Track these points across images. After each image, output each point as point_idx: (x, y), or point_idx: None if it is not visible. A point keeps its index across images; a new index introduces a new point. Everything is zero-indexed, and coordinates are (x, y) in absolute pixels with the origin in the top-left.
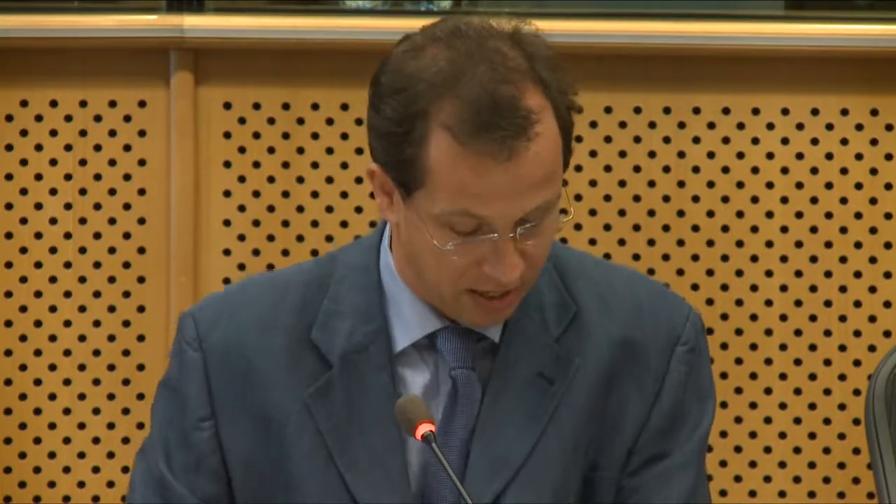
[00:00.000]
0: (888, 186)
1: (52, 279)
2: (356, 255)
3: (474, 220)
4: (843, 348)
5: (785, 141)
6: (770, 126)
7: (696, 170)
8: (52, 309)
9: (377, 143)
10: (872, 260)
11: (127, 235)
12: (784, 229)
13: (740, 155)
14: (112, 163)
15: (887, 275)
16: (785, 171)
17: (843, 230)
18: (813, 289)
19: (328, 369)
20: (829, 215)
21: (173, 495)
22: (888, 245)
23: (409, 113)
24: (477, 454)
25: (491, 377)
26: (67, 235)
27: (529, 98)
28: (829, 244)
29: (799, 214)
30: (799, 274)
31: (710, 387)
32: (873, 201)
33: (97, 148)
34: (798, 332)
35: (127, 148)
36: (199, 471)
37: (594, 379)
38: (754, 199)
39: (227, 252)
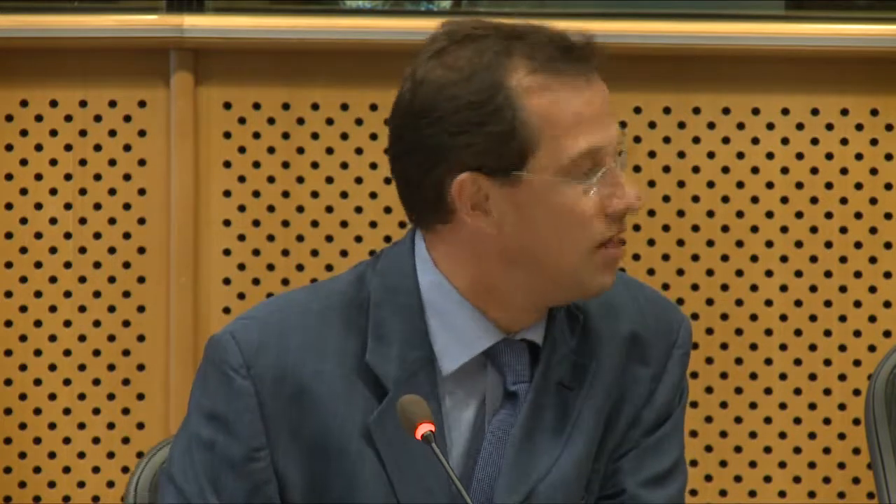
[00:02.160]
0: (888, 186)
1: (52, 279)
2: (391, 277)
3: (591, 153)
4: (843, 348)
5: (785, 141)
6: (770, 126)
7: (696, 170)
8: (52, 309)
9: (463, 146)
10: (872, 260)
11: (127, 235)
12: (784, 229)
13: (740, 155)
14: (112, 163)
15: (887, 275)
16: (785, 171)
17: (843, 230)
18: (813, 289)
19: (384, 394)
20: (829, 215)
21: None
22: (888, 245)
23: (488, 88)
24: (508, 465)
25: (532, 389)
26: (67, 235)
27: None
28: (828, 244)
29: (799, 214)
30: (799, 274)
31: (686, 388)
32: (873, 201)
33: (97, 148)
34: (798, 332)
35: (127, 148)
36: (253, 498)
37: (609, 377)
38: (754, 199)
39: (227, 252)
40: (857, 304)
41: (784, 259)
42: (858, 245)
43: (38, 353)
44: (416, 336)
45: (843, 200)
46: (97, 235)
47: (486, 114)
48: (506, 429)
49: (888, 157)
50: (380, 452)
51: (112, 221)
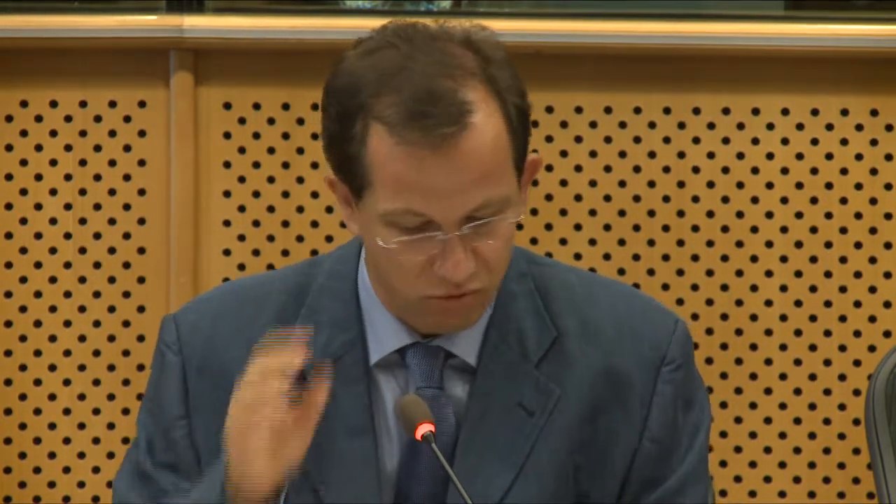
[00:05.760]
0: (888, 186)
1: (52, 279)
2: (338, 263)
3: (417, 217)
4: (843, 348)
5: (785, 141)
6: (770, 126)
7: (695, 170)
8: (52, 309)
9: (328, 148)
10: (872, 260)
11: (127, 236)
12: (784, 229)
13: (740, 155)
14: (112, 163)
15: (887, 275)
16: (785, 171)
17: (843, 230)
18: (813, 289)
19: (303, 380)
20: (828, 215)
21: (155, 485)
22: (888, 245)
23: (350, 109)
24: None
25: (469, 404)
26: (67, 236)
27: (469, 92)
28: (828, 244)
29: (799, 215)
30: (799, 274)
31: (698, 387)
32: (873, 201)
33: (97, 148)
34: (798, 333)
35: (127, 148)
36: (178, 466)
37: (576, 410)
38: (754, 200)
39: (227, 252)
40: (857, 304)
41: (784, 259)
42: (858, 245)
43: (38, 353)
44: (348, 319)
45: (843, 201)
46: (97, 236)
47: (346, 130)
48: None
49: (888, 157)
50: None
51: (112, 222)
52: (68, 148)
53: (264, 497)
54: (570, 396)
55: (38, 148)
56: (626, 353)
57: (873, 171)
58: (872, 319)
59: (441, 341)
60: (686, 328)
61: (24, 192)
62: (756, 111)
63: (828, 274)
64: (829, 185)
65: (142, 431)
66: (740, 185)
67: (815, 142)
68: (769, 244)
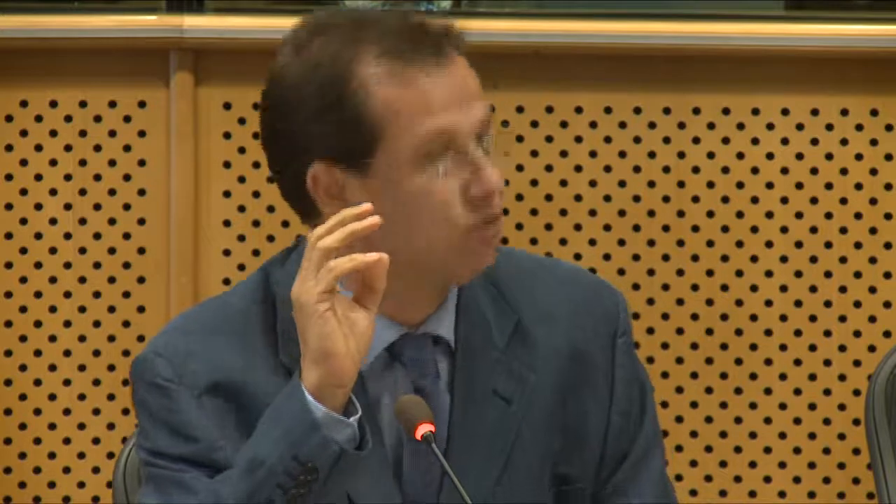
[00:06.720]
0: (888, 186)
1: (52, 279)
2: (291, 277)
3: (443, 136)
4: (843, 348)
5: (785, 141)
6: (770, 126)
7: (695, 170)
8: (52, 309)
9: (314, 136)
10: (872, 260)
11: (127, 236)
12: (784, 229)
13: (740, 155)
14: (112, 163)
15: (887, 275)
16: (785, 171)
17: (843, 230)
18: (813, 289)
19: None
20: (828, 215)
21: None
22: (888, 245)
23: (334, 76)
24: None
25: (454, 394)
26: (67, 236)
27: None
28: (828, 244)
29: (799, 215)
30: (799, 274)
31: (638, 363)
32: (873, 201)
33: (97, 148)
34: (798, 333)
35: (127, 148)
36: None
37: (549, 395)
38: (754, 200)
39: (227, 252)
40: (857, 304)
41: (784, 259)
42: (858, 245)
43: (38, 353)
44: None
45: (843, 201)
46: (97, 236)
47: (332, 103)
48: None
49: (888, 157)
50: None
51: (112, 222)
52: (68, 148)
53: (352, 379)
54: (541, 381)
55: (38, 148)
56: (583, 332)
57: (873, 172)
58: (872, 319)
59: (426, 327)
60: (625, 299)
61: (24, 192)
62: (756, 111)
63: (828, 274)
64: (829, 186)
65: (167, 473)
66: (740, 185)
67: (815, 142)
68: (769, 244)
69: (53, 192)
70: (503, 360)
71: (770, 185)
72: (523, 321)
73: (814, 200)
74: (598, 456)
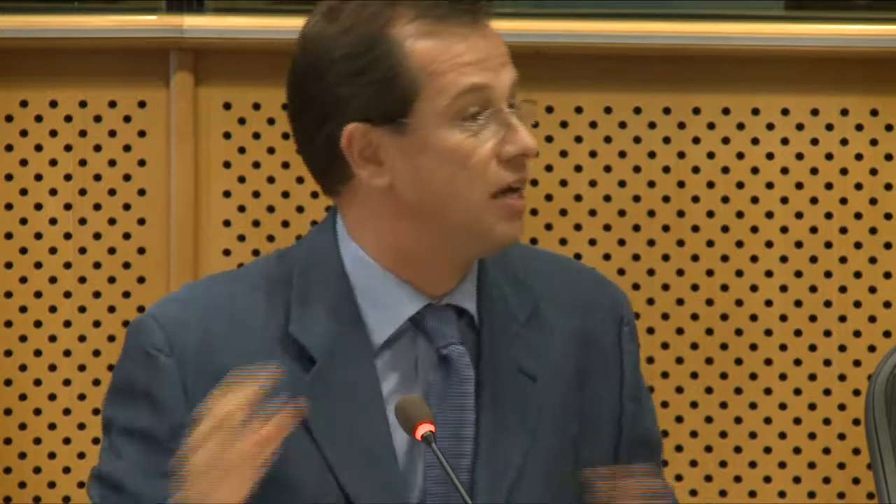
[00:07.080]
0: (888, 186)
1: (52, 279)
2: (314, 253)
3: (479, 94)
4: (843, 348)
5: (785, 141)
6: (770, 126)
7: (695, 170)
8: (52, 309)
9: (348, 98)
10: (872, 260)
11: (127, 236)
12: (784, 229)
13: (740, 155)
14: (112, 163)
15: (887, 275)
16: (785, 171)
17: (843, 230)
18: (813, 289)
19: (311, 364)
20: (828, 215)
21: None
22: (888, 245)
23: (369, 36)
24: (482, 456)
25: (481, 367)
26: (67, 236)
27: None
28: (828, 244)
29: (799, 215)
30: (799, 274)
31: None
32: (873, 201)
33: (97, 148)
34: (798, 333)
35: (127, 148)
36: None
37: (567, 376)
38: (754, 200)
39: (227, 252)
40: (857, 304)
41: (784, 259)
42: (858, 245)
43: (38, 353)
44: (344, 308)
45: (843, 201)
46: (97, 236)
47: (368, 64)
48: (445, 400)
49: (888, 157)
50: (309, 424)
51: (112, 222)
52: (68, 148)
53: None
54: (560, 362)
55: (38, 148)
56: (592, 318)
57: (873, 172)
58: (872, 319)
59: (450, 299)
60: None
61: (24, 192)
62: (756, 111)
63: (828, 274)
64: (829, 186)
65: (124, 449)
66: (740, 185)
67: (815, 142)
68: (769, 244)
69: (53, 192)
70: (524, 335)
71: (770, 186)
72: (539, 303)
73: (814, 200)
74: (615, 442)
